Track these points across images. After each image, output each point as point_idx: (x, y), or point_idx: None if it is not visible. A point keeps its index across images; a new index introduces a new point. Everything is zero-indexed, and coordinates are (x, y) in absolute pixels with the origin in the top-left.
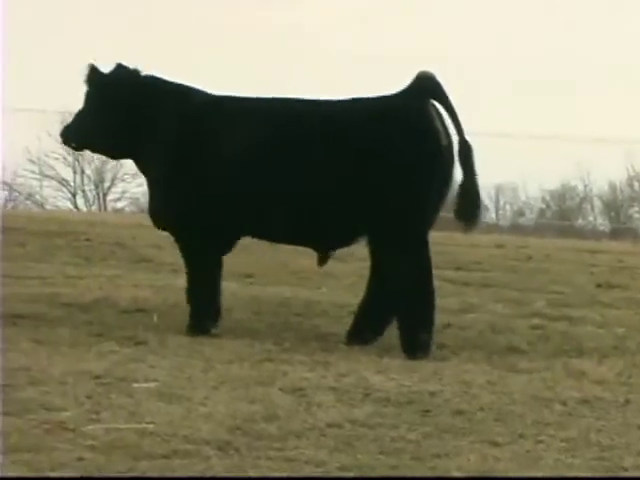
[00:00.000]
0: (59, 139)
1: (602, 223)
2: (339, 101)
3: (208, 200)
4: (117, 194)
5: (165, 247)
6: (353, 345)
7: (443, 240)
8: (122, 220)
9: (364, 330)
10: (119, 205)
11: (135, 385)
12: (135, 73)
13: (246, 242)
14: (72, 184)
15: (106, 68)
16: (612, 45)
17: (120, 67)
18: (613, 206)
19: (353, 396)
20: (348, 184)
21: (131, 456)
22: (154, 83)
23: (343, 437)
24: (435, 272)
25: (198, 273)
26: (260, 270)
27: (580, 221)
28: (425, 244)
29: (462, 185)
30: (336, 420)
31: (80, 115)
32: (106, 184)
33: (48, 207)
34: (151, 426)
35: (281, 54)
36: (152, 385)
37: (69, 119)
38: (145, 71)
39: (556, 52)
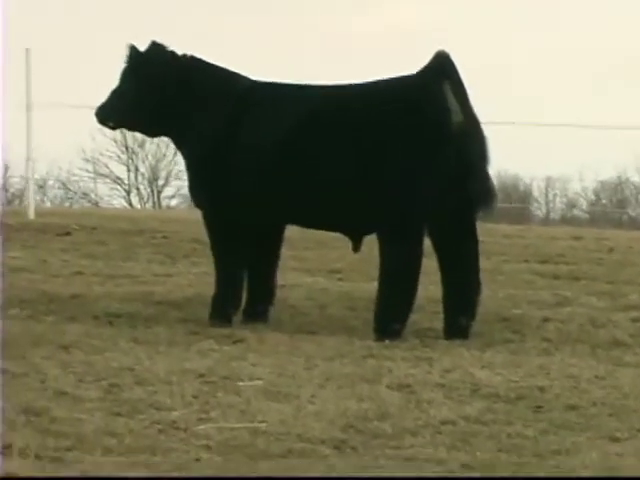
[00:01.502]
0: (116, 134)
1: None
2: (359, 85)
3: (239, 184)
4: (171, 191)
5: None
6: (453, 339)
7: (520, 233)
8: (191, 216)
9: (458, 322)
10: (173, 202)
11: (240, 383)
12: (171, 51)
13: (329, 237)
14: (126, 182)
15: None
16: None
17: (155, 45)
18: None
19: (461, 392)
20: (369, 168)
21: (247, 456)
22: (192, 63)
23: (458, 434)
24: (523, 265)
25: (224, 259)
26: (347, 265)
27: (634, 211)
28: (422, 233)
29: (472, 169)
30: (449, 417)
31: (115, 93)
32: (160, 182)
33: (103, 205)
34: (263, 425)
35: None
36: (257, 383)
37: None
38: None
39: (609, 40)
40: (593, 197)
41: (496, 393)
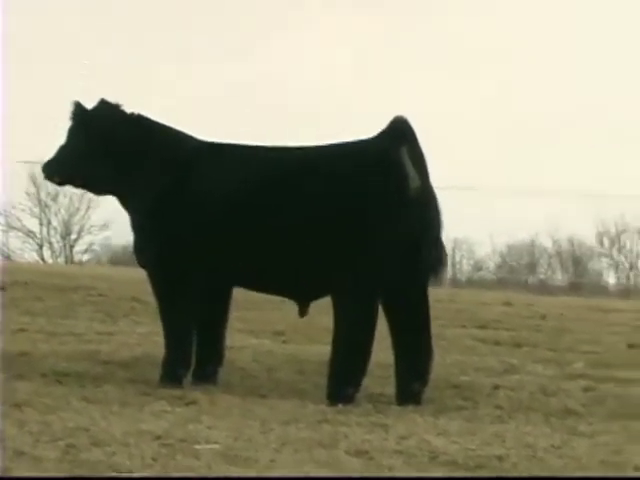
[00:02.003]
0: (29, 187)
1: (558, 278)
2: (314, 148)
3: (186, 244)
4: (84, 245)
5: None
6: (406, 405)
7: (450, 297)
8: (121, 274)
9: (410, 387)
10: (85, 257)
11: (197, 447)
12: (119, 109)
13: (269, 299)
14: (39, 236)
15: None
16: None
17: (104, 102)
18: (573, 260)
19: (420, 459)
20: (324, 233)
21: None
22: (139, 121)
23: None
24: (462, 331)
25: (172, 319)
26: (290, 327)
27: (537, 276)
28: (377, 299)
29: (426, 235)
30: None
31: (63, 149)
32: (73, 236)
33: (15, 259)
34: None
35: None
36: (215, 447)
37: (35, 169)
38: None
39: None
40: (499, 259)
41: (454, 461)
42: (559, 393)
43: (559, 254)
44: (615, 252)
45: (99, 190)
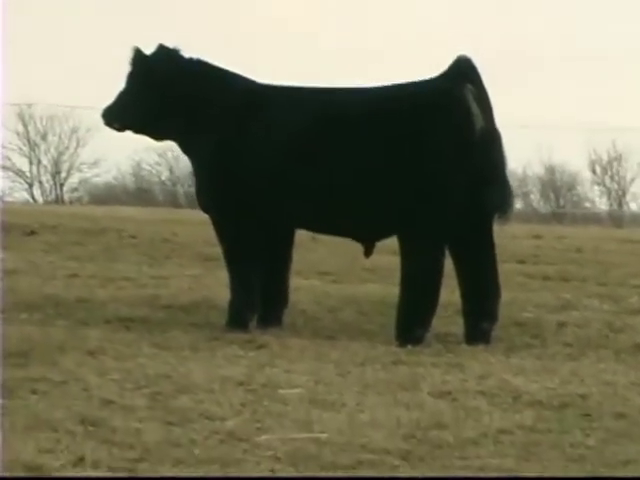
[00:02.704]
0: (17, 126)
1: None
2: (378, 88)
3: (250, 189)
4: (74, 184)
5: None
6: (475, 344)
7: None
8: (138, 214)
9: (479, 326)
10: (76, 195)
11: (281, 391)
12: (178, 55)
13: (302, 238)
14: (28, 175)
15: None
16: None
17: (162, 48)
18: (554, 189)
19: (503, 400)
20: (384, 173)
21: (319, 467)
22: (198, 66)
23: (520, 444)
24: (507, 266)
25: (237, 263)
26: (334, 267)
27: (529, 204)
28: (445, 239)
29: (491, 174)
30: (504, 426)
31: (122, 96)
32: (63, 174)
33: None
34: (324, 436)
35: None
36: (297, 391)
37: (26, 110)
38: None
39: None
40: None
41: (538, 401)
42: (626, 329)
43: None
44: (608, 179)
45: (159, 136)
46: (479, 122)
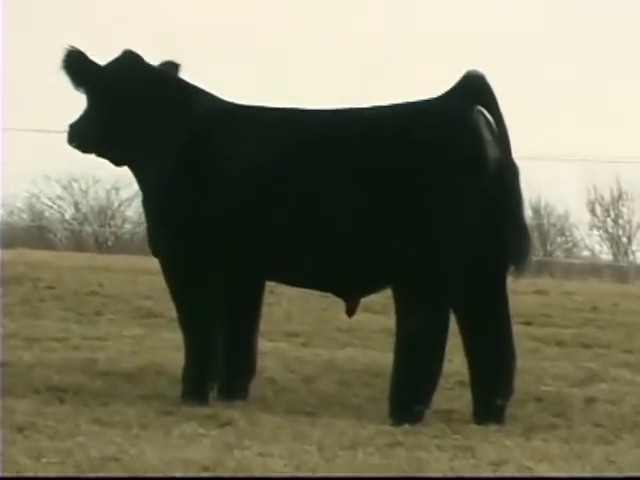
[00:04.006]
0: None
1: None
2: (366, 111)
3: (209, 227)
4: None
5: (154, 296)
6: (486, 424)
7: None
8: (52, 260)
9: (491, 402)
10: None
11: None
12: (141, 66)
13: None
14: None
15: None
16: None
17: (126, 54)
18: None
19: None
20: (373, 215)
21: None
22: (162, 80)
23: None
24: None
25: (194, 322)
26: (302, 327)
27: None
28: (449, 297)
29: (506, 217)
30: None
31: (85, 110)
32: None
33: None
34: None
35: None
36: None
37: None
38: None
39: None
40: None
41: None
42: None
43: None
44: (610, 223)
45: (116, 161)
46: (492, 153)
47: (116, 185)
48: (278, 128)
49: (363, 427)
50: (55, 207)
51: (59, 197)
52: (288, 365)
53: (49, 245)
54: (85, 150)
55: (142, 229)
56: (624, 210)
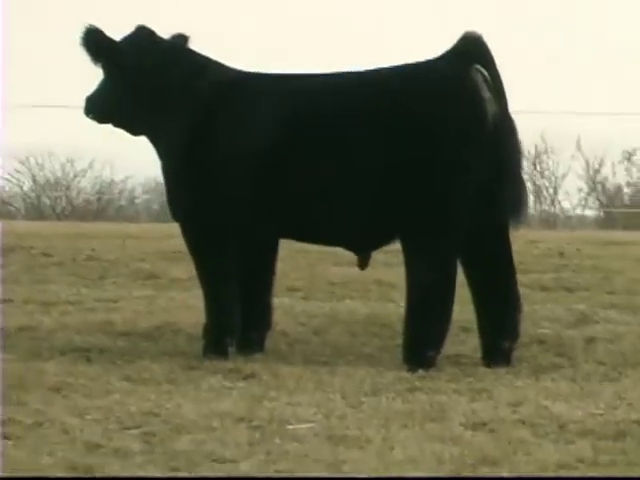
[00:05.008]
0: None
1: None
2: (367, 74)
3: (223, 190)
4: None
5: (147, 259)
6: (495, 366)
7: None
8: (30, 228)
9: (499, 345)
10: None
11: (290, 427)
12: (154, 38)
13: None
14: None
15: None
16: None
17: (140, 30)
18: None
19: (549, 430)
20: (380, 172)
21: None
22: (173, 52)
23: None
24: None
25: (212, 281)
26: (299, 282)
27: None
28: (457, 247)
29: (504, 170)
30: (563, 460)
31: (101, 84)
32: None
33: None
34: (361, 477)
35: None
36: (308, 426)
37: None
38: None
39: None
40: None
41: (590, 430)
42: None
43: None
44: (537, 175)
45: (133, 130)
46: (491, 109)
47: (70, 158)
48: (290, 93)
49: (380, 374)
50: (14, 180)
51: (17, 171)
52: (296, 318)
53: (11, 216)
54: (102, 121)
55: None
56: (550, 163)
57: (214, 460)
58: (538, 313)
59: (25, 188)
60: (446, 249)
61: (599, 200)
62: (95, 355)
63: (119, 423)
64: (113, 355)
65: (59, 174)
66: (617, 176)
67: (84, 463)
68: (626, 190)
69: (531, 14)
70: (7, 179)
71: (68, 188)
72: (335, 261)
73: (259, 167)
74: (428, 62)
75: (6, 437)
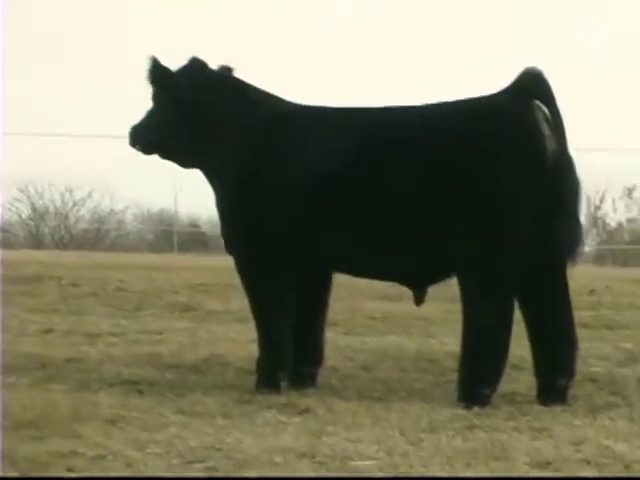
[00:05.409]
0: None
1: None
2: (424, 108)
3: (277, 222)
4: None
5: (179, 291)
6: (551, 404)
7: None
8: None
9: (555, 383)
10: None
11: (353, 464)
12: (206, 70)
13: None
14: None
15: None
16: None
17: (194, 62)
18: None
19: (614, 470)
20: (438, 206)
21: None
22: (225, 83)
23: None
24: None
25: (266, 316)
26: (336, 316)
27: None
28: (514, 283)
29: (563, 207)
30: None
31: (149, 114)
32: None
33: None
34: None
35: None
36: (372, 463)
37: None
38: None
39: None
40: None
41: None
42: None
43: None
44: None
45: (184, 162)
46: (550, 145)
47: (69, 187)
48: (344, 126)
49: (436, 411)
50: (13, 209)
51: (17, 199)
52: (343, 353)
53: (9, 244)
54: (149, 152)
55: (94, 227)
56: None
57: None
58: (586, 351)
59: (24, 216)
60: (503, 285)
61: (600, 236)
62: (146, 387)
63: (181, 457)
64: (163, 388)
65: (58, 203)
66: (617, 212)
67: None
68: (626, 226)
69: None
70: (7, 207)
71: (67, 217)
72: (371, 295)
73: (312, 204)
74: (490, 97)
75: (70, 469)
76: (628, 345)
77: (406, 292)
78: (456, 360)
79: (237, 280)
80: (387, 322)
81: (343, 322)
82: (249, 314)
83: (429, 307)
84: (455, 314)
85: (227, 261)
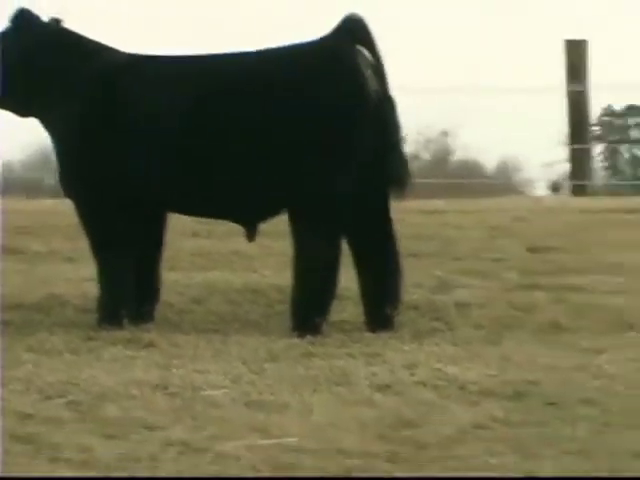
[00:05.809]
0: None
1: None
2: (251, 54)
3: (113, 165)
4: None
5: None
6: (379, 331)
7: None
8: None
9: (382, 312)
10: None
11: (204, 394)
12: (36, 22)
13: None
14: None
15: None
16: None
17: (21, 13)
18: None
19: (451, 391)
20: (264, 147)
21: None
22: (57, 35)
23: (506, 439)
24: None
25: (106, 256)
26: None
27: None
28: (342, 217)
29: (387, 145)
30: (478, 421)
31: None
32: None
33: None
34: (292, 441)
35: None
36: (222, 392)
37: None
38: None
39: None
40: None
41: (490, 391)
42: (531, 307)
43: None
44: None
45: (21, 112)
46: (373, 86)
47: None
48: (179, 74)
49: (272, 341)
50: None
51: None
52: (173, 288)
53: None
54: None
55: None
56: None
57: (145, 427)
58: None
59: None
60: (332, 220)
61: None
62: None
63: (41, 393)
64: (11, 327)
65: None
66: None
67: (23, 431)
68: None
69: None
70: None
71: None
72: (183, 232)
73: (150, 147)
74: (311, 43)
75: None
76: (438, 273)
77: (214, 229)
78: (280, 292)
79: (58, 222)
80: (208, 258)
81: (167, 259)
82: (74, 254)
83: (246, 244)
84: (271, 249)
85: (44, 204)
